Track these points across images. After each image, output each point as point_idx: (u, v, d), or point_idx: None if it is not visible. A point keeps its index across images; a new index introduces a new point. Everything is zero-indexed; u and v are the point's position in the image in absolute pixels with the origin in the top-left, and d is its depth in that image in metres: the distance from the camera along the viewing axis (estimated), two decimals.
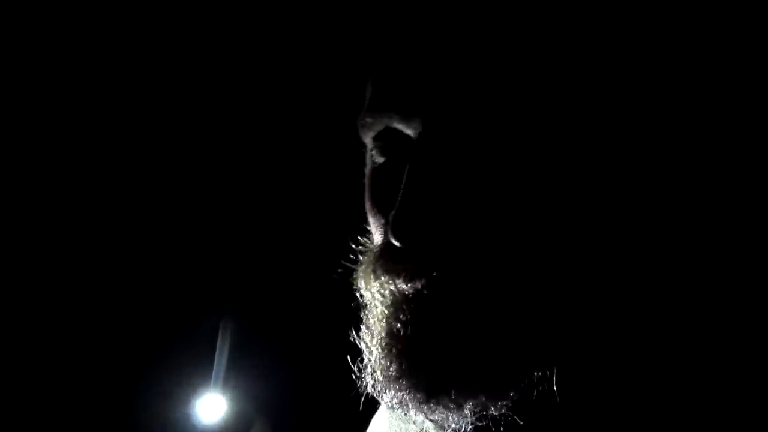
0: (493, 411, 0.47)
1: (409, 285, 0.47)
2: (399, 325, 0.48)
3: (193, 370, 1.22)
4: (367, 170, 0.56)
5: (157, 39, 1.08)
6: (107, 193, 1.21)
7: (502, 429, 0.48)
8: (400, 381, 0.48)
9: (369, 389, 0.52)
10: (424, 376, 0.47)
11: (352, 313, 0.54)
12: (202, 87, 1.14)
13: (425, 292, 0.47)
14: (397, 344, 0.48)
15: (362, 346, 0.52)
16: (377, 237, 0.53)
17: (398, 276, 0.48)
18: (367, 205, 0.55)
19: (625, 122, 0.49)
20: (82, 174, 1.18)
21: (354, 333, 0.53)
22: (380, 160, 0.53)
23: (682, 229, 0.54)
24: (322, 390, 1.13)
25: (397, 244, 0.47)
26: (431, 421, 0.52)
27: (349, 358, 0.54)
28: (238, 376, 1.23)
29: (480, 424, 0.48)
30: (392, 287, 0.48)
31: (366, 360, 0.52)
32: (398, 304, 0.48)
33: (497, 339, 0.46)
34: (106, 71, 1.12)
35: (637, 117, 0.50)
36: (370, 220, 0.54)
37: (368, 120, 0.52)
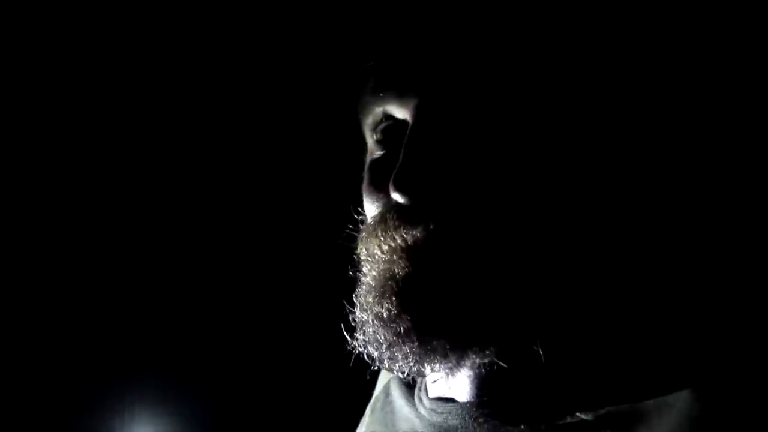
0: (476, 360, 0.49)
1: (406, 235, 0.50)
2: (395, 270, 0.50)
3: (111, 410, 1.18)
4: (368, 160, 0.59)
5: (155, 38, 1.10)
6: None
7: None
8: (393, 324, 0.49)
9: (359, 348, 0.53)
10: (417, 316, 0.48)
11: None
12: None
13: (422, 241, 0.49)
14: (392, 288, 0.50)
15: (356, 306, 0.54)
16: (374, 211, 0.56)
17: (396, 231, 0.50)
18: (366, 189, 0.57)
19: (612, 98, 0.54)
20: None
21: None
22: (378, 151, 0.57)
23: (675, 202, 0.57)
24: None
25: (398, 198, 0.50)
26: (420, 375, 0.52)
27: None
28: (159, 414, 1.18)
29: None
30: (391, 242, 0.51)
31: (358, 319, 0.53)
32: (396, 254, 0.50)
33: (490, 286, 0.48)
34: (98, 71, 1.14)
35: (622, 94, 0.55)
36: (369, 199, 0.57)
37: (368, 108, 0.56)
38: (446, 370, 0.50)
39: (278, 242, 1.15)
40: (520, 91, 0.50)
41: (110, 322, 1.17)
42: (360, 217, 0.59)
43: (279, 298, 1.13)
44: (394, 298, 0.49)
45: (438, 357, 0.49)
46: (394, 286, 0.50)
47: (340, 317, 0.56)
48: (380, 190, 0.55)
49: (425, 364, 0.50)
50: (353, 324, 0.55)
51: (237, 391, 1.17)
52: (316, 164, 1.09)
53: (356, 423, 0.73)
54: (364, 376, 0.59)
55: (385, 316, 0.50)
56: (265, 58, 1.08)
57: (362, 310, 0.53)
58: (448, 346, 0.48)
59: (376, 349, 0.52)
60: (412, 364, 0.50)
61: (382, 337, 0.50)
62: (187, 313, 1.17)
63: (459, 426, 0.54)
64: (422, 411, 0.59)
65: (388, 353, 0.51)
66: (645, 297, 0.54)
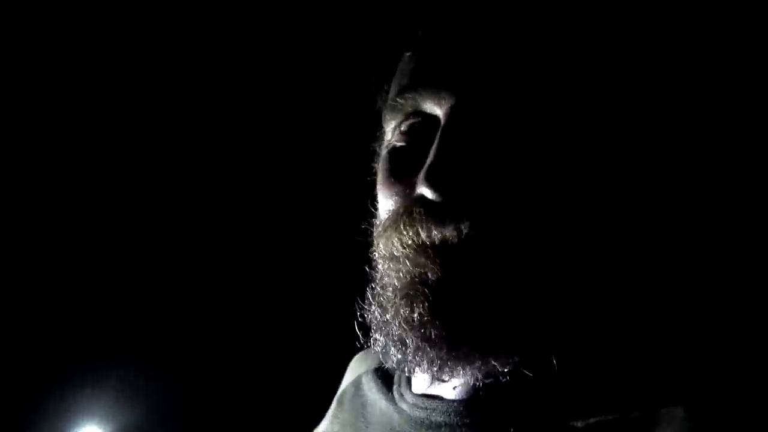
0: (500, 367, 0.48)
1: (435, 233, 0.49)
2: (426, 273, 0.49)
3: (71, 402, 1.16)
4: (384, 153, 0.58)
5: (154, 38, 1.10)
6: None
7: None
8: (423, 330, 0.48)
9: (376, 347, 0.53)
10: (449, 323, 0.48)
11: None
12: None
13: (453, 242, 0.48)
14: (424, 292, 0.49)
15: (373, 304, 0.53)
16: (393, 204, 0.55)
17: (422, 226, 0.49)
18: (385, 181, 0.56)
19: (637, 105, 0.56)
20: None
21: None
22: (401, 144, 0.56)
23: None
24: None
25: (428, 193, 0.49)
26: (438, 379, 0.52)
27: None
28: (117, 407, 1.17)
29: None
30: (415, 238, 0.50)
31: (377, 318, 0.53)
32: (423, 253, 0.49)
33: (521, 293, 0.48)
34: (99, 71, 1.13)
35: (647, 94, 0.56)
36: (387, 192, 0.56)
37: (399, 101, 0.55)
38: (467, 374, 0.50)
39: (250, 236, 1.14)
40: (553, 97, 0.51)
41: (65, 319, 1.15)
42: (372, 218, 0.58)
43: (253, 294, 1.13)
44: (425, 304, 0.49)
45: (464, 363, 0.49)
46: (426, 290, 0.49)
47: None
48: (402, 183, 0.54)
49: (450, 370, 0.49)
50: (365, 320, 0.54)
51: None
52: (319, 161, 1.08)
53: (321, 415, 0.73)
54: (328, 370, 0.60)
55: (415, 320, 0.49)
56: (277, 54, 1.08)
57: (384, 310, 0.52)
58: (477, 354, 0.48)
59: (400, 351, 0.51)
60: (436, 368, 0.50)
61: (410, 341, 0.50)
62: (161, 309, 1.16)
63: (443, 423, 0.54)
64: (403, 406, 0.59)
65: (412, 356, 0.50)
66: (640, 310, 0.56)
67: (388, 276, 0.53)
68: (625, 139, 0.54)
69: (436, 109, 0.53)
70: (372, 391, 0.65)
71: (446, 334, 0.48)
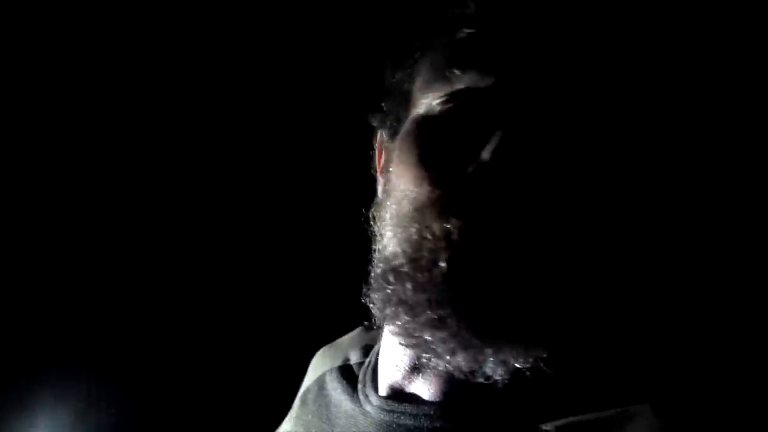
0: (519, 363, 0.48)
1: (480, 226, 0.47)
2: (445, 264, 0.47)
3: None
4: (412, 126, 0.55)
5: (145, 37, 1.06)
6: None
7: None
8: (448, 321, 0.47)
9: (395, 329, 0.50)
10: (481, 313, 0.47)
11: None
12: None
13: (481, 235, 0.47)
14: (456, 282, 0.47)
15: (390, 283, 0.50)
16: (426, 188, 0.51)
17: (463, 217, 0.48)
18: (416, 160, 0.53)
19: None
20: None
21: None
22: (438, 119, 0.53)
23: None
24: None
25: (480, 190, 0.48)
26: (452, 370, 0.50)
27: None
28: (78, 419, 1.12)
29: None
30: (449, 227, 0.48)
31: (396, 295, 0.50)
32: (469, 241, 0.48)
33: (549, 292, 0.48)
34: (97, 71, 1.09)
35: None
36: (417, 172, 0.52)
37: (455, 72, 0.52)
38: (494, 370, 0.49)
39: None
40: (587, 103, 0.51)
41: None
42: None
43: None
44: (455, 298, 0.47)
45: (483, 361, 0.48)
46: (459, 283, 0.47)
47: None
48: (439, 165, 0.51)
49: (467, 363, 0.48)
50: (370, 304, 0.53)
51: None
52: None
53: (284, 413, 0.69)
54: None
55: (443, 313, 0.47)
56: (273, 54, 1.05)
57: (414, 285, 0.49)
58: (495, 352, 0.48)
59: (426, 332, 0.49)
60: (456, 357, 0.48)
61: (430, 335, 0.48)
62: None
63: (412, 426, 0.52)
64: (368, 408, 0.57)
65: (437, 345, 0.48)
66: (611, 310, 0.56)
67: (402, 250, 0.51)
68: (635, 143, 0.55)
69: (496, 93, 0.51)
70: (336, 391, 0.62)
71: (478, 324, 0.47)
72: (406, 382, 0.55)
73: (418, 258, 0.49)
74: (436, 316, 0.47)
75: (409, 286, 0.49)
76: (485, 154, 0.49)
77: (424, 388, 0.53)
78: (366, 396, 0.58)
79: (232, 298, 1.06)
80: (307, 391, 0.67)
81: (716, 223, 0.64)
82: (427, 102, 0.54)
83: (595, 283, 0.52)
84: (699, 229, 0.62)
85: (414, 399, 0.54)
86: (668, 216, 0.60)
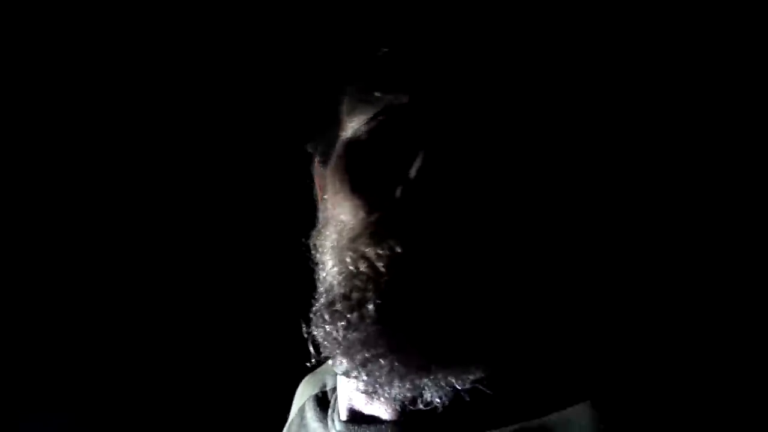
0: (458, 386, 0.48)
1: (397, 249, 0.47)
2: (376, 283, 0.48)
3: None
4: (340, 150, 0.55)
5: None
6: None
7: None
8: (381, 359, 0.47)
9: (336, 365, 0.51)
10: (413, 346, 0.47)
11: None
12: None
13: (410, 256, 0.47)
14: (371, 297, 0.47)
15: (326, 321, 0.50)
16: (358, 214, 0.51)
17: (390, 241, 0.48)
18: (345, 185, 0.53)
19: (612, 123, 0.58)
20: None
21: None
22: (364, 143, 0.52)
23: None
24: None
25: (406, 210, 0.48)
26: (394, 398, 0.50)
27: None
28: None
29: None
30: (381, 252, 0.48)
31: (331, 334, 0.50)
32: (394, 267, 0.48)
33: (469, 319, 0.47)
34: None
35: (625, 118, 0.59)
36: (348, 199, 0.52)
37: (375, 95, 0.52)
38: (440, 394, 0.49)
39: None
40: (520, 109, 0.51)
41: None
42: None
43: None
44: (385, 331, 0.47)
45: (410, 374, 0.47)
46: (376, 297, 0.47)
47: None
48: (368, 190, 0.51)
49: (399, 380, 0.48)
50: (311, 336, 0.52)
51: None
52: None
53: None
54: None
55: (378, 350, 0.47)
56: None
57: (333, 316, 0.50)
58: (430, 373, 0.47)
59: (346, 358, 0.49)
60: (381, 378, 0.48)
61: (357, 352, 0.48)
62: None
63: None
64: None
65: (359, 364, 0.48)
66: (545, 311, 0.56)
67: (337, 284, 0.51)
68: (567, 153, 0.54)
69: (417, 112, 0.50)
70: (313, 420, 0.64)
71: (411, 355, 0.47)
72: (363, 405, 0.56)
73: (349, 295, 0.49)
74: (369, 355, 0.47)
75: (342, 324, 0.48)
76: (411, 174, 0.48)
77: (380, 409, 0.54)
78: (333, 421, 0.59)
79: (229, 302, 1.06)
80: (291, 423, 0.69)
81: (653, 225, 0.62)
82: (353, 125, 0.53)
83: (529, 297, 0.52)
84: (633, 231, 0.60)
85: (372, 420, 0.55)
86: (600, 224, 0.58)
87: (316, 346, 0.51)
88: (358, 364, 0.48)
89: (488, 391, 0.49)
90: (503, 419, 0.49)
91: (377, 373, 0.47)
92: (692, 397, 0.48)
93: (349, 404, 0.57)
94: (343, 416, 0.58)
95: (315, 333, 0.51)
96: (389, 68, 0.53)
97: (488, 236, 0.48)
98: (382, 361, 0.47)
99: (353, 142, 0.53)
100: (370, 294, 0.47)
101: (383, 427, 0.52)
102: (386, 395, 0.49)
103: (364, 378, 0.48)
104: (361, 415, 0.56)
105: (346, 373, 0.49)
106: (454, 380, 0.47)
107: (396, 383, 0.47)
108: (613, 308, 0.60)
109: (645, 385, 0.48)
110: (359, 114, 0.53)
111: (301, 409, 0.67)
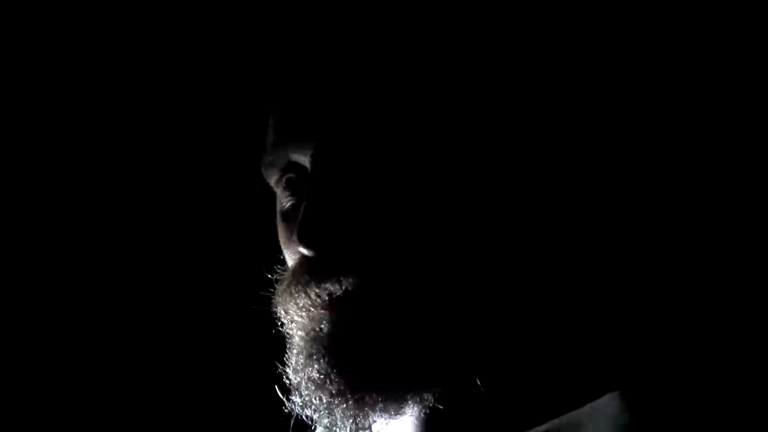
0: (415, 406, 0.49)
1: (320, 290, 0.49)
2: (319, 329, 0.49)
3: None
4: (278, 211, 0.57)
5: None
6: None
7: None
8: (327, 385, 0.48)
9: (297, 410, 0.52)
10: (348, 375, 0.48)
11: None
12: None
13: (339, 295, 0.49)
14: (319, 348, 0.49)
15: (288, 367, 0.53)
16: (290, 264, 0.55)
17: (309, 287, 0.50)
18: (282, 242, 0.57)
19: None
20: None
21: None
22: (288, 202, 0.55)
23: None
24: None
25: (305, 252, 0.49)
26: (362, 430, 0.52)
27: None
28: None
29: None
30: (306, 300, 0.50)
31: (292, 380, 0.52)
32: (315, 309, 0.50)
33: (417, 330, 0.48)
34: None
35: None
36: (286, 253, 0.56)
37: (270, 158, 0.55)
38: (387, 420, 0.50)
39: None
40: (410, 127, 0.50)
41: None
42: (275, 275, 0.57)
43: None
44: (323, 359, 0.49)
45: (376, 411, 0.49)
46: (321, 345, 0.49)
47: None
48: (292, 241, 0.53)
49: (364, 419, 0.49)
50: (288, 386, 0.54)
51: None
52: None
53: None
54: None
55: (317, 377, 0.49)
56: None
57: (295, 371, 0.52)
58: (384, 399, 0.48)
59: (315, 411, 0.51)
60: (351, 421, 0.49)
61: (317, 399, 0.50)
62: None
63: None
64: None
65: (326, 413, 0.50)
66: (565, 307, 0.56)
67: (292, 337, 0.53)
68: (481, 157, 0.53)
69: (303, 159, 0.52)
70: None
71: (348, 386, 0.48)
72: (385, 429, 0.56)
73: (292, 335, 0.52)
74: (328, 399, 0.49)
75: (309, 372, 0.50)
76: (296, 232, 0.49)
77: (404, 421, 0.54)
78: None
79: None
80: None
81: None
82: (273, 187, 0.57)
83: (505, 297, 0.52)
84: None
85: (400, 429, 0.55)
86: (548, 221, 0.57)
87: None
88: (304, 403, 0.50)
89: (514, 396, 0.50)
90: (532, 421, 0.49)
91: (338, 415, 0.49)
92: (721, 387, 0.48)
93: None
94: None
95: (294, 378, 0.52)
96: (273, 126, 0.56)
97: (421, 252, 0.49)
98: (325, 402, 0.49)
99: (279, 205, 0.56)
100: (303, 338, 0.50)
101: None
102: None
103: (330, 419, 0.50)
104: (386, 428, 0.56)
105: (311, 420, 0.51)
106: (405, 404, 0.49)
107: (346, 421, 0.49)
108: (639, 300, 0.59)
109: (673, 376, 0.49)
110: (270, 176, 0.56)
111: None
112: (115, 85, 1.02)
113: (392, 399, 0.48)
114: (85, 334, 1.03)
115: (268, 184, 0.59)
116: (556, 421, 0.48)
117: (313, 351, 0.49)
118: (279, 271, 0.57)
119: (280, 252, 0.58)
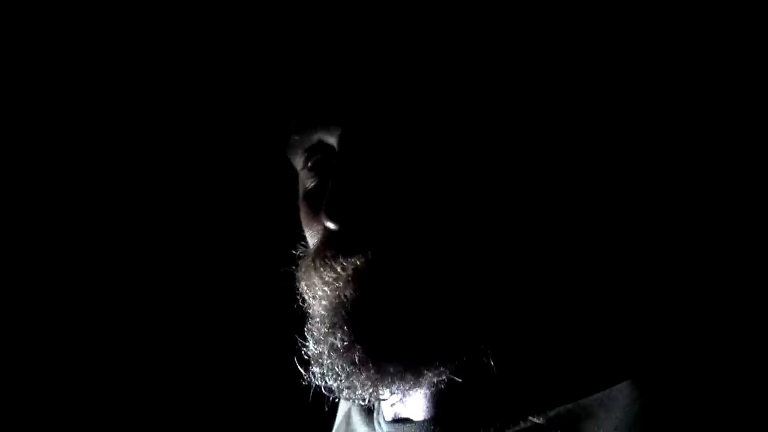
0: (433, 378, 0.50)
1: (346, 264, 0.50)
2: (343, 299, 0.50)
3: None
4: (301, 192, 0.59)
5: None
6: None
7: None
8: (349, 353, 0.50)
9: (315, 381, 0.53)
10: (371, 343, 0.49)
11: None
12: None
13: (364, 268, 0.50)
14: (343, 317, 0.50)
15: (309, 339, 0.54)
16: (313, 242, 0.56)
17: (335, 260, 0.51)
18: (304, 220, 0.58)
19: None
20: None
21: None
22: (312, 182, 0.57)
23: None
24: None
25: (332, 226, 0.50)
26: (379, 399, 0.53)
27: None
28: None
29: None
30: (332, 273, 0.51)
31: (312, 352, 0.54)
32: (341, 282, 0.51)
33: (437, 304, 0.49)
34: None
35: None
36: (308, 231, 0.58)
37: (295, 138, 0.57)
38: (404, 392, 0.51)
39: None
40: (435, 109, 0.52)
41: None
42: (298, 251, 0.59)
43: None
44: (346, 328, 0.50)
45: (395, 380, 0.50)
46: (345, 315, 0.50)
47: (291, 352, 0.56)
48: (316, 220, 0.55)
49: (384, 389, 0.51)
50: (306, 357, 0.55)
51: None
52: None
53: None
54: (321, 409, 0.58)
55: (339, 346, 0.50)
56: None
57: (316, 342, 0.53)
58: (404, 369, 0.49)
59: (335, 380, 0.52)
60: (371, 390, 0.51)
61: (340, 367, 0.51)
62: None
63: None
64: None
65: (346, 382, 0.51)
66: (581, 295, 0.57)
67: (315, 308, 0.54)
68: (500, 143, 0.55)
69: (330, 139, 0.54)
70: (359, 424, 0.66)
71: (370, 354, 0.49)
72: (402, 406, 0.58)
73: (315, 308, 0.53)
74: (349, 369, 0.50)
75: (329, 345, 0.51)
76: (324, 207, 0.51)
77: (419, 406, 0.56)
78: (379, 423, 0.61)
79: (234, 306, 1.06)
80: (338, 428, 0.71)
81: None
82: (298, 168, 0.59)
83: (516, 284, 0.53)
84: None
85: (414, 418, 0.56)
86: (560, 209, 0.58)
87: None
88: (326, 373, 0.51)
89: (525, 378, 0.51)
90: (543, 404, 0.50)
91: (358, 384, 0.50)
92: (732, 377, 0.48)
93: (390, 405, 0.59)
94: (388, 417, 0.59)
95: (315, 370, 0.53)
96: (299, 107, 0.57)
97: (437, 230, 0.50)
98: (346, 371, 0.50)
99: (302, 182, 0.58)
100: (326, 309, 0.51)
101: (425, 423, 0.54)
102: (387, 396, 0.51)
103: (348, 390, 0.51)
104: (402, 414, 0.58)
105: (329, 390, 0.52)
106: (425, 376, 0.49)
107: (366, 391, 0.50)
108: (651, 289, 0.60)
109: (685, 365, 0.49)
110: (296, 158, 0.58)
111: (347, 414, 0.69)
112: (120, 78, 1.03)
113: (411, 369, 0.49)
114: (96, 312, 1.05)
115: (287, 166, 0.61)
116: (568, 407, 0.49)
117: (336, 320, 0.50)
118: (301, 247, 0.59)
119: (295, 234, 0.59)
